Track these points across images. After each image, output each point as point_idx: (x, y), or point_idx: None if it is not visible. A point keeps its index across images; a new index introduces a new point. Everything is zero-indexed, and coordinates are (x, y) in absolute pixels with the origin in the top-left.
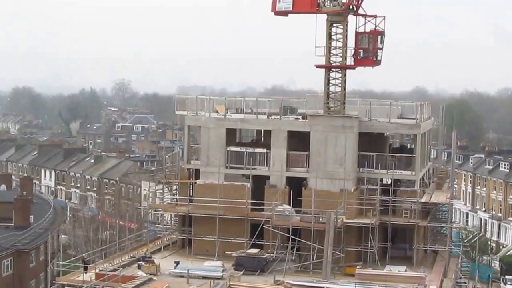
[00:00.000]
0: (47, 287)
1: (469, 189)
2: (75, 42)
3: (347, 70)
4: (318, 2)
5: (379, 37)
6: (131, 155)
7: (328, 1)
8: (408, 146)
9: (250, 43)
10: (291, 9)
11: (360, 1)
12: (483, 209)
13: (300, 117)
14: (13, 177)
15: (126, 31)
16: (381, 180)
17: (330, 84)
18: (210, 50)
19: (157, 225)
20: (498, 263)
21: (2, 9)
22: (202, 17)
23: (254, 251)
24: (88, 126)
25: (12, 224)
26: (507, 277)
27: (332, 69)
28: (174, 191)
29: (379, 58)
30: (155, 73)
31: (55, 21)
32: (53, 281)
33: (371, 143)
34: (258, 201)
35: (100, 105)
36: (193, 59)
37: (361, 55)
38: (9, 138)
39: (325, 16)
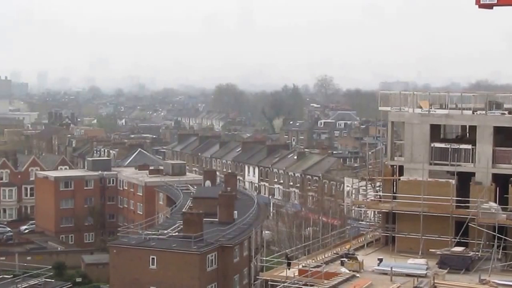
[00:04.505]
0: (250, 282)
1: None
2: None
3: None
4: None
5: None
6: (334, 152)
7: None
8: None
9: (451, 39)
10: (496, 1)
11: None
12: None
13: (506, 112)
14: (218, 173)
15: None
16: None
17: None
18: (412, 47)
19: (360, 222)
20: None
21: None
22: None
23: (459, 249)
24: (291, 122)
25: (217, 220)
26: None
27: None
28: (377, 188)
29: None
30: (357, 69)
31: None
32: (257, 277)
33: None
34: (463, 198)
35: (302, 102)
36: (395, 55)
37: None
38: (213, 135)
39: None
